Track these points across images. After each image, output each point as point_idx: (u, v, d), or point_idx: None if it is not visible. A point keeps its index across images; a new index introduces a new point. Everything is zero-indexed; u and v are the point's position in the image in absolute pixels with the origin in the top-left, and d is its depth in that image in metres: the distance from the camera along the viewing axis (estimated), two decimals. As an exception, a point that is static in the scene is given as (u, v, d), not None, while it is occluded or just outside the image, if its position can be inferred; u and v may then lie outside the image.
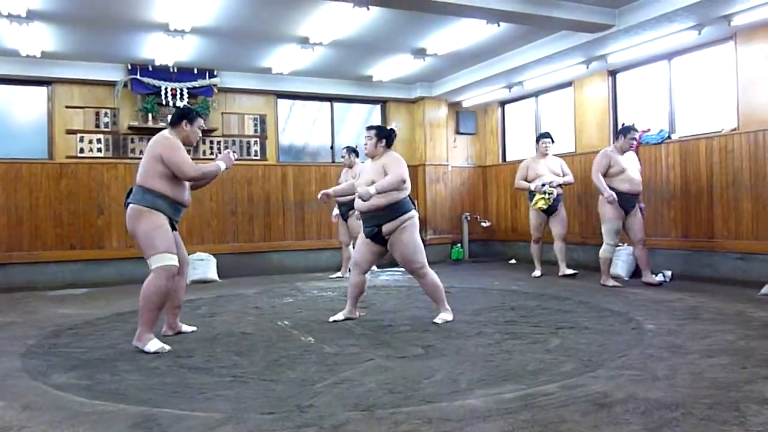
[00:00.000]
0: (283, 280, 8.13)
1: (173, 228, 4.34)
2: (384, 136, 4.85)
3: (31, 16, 6.11)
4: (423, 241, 4.97)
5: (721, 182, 6.74)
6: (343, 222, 8.07)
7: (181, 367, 3.64)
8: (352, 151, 7.95)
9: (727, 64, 6.75)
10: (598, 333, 4.30)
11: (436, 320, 4.80)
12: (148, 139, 8.35)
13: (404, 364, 3.59)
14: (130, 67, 8.09)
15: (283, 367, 3.57)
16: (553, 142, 7.72)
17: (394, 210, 4.70)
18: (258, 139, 9.14)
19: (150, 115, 8.26)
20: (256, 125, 9.13)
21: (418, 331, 4.50)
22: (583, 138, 8.52)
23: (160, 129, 8.20)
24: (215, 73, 8.53)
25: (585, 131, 8.56)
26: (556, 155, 7.95)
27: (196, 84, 8.42)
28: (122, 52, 7.58)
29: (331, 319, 5.00)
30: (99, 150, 8.22)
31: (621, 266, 7.26)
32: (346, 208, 7.90)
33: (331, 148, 9.73)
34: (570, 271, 7.49)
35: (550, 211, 7.53)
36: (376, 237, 4.82)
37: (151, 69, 8.17)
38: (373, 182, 4.67)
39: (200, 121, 4.56)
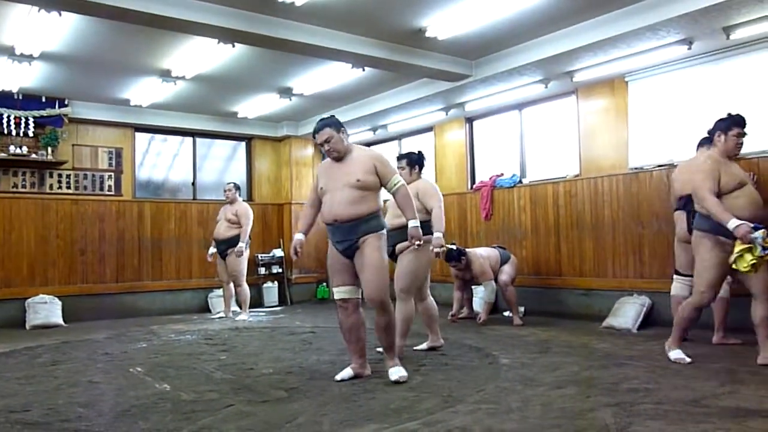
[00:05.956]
0: (138, 323, 7.65)
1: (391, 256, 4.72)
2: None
3: None
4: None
5: (567, 223, 7.29)
6: (221, 260, 7.82)
7: (14, 423, 3.28)
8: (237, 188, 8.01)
9: (570, 116, 7.39)
10: (458, 369, 4.44)
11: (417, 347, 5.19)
12: (-14, 171, 7.82)
13: (266, 408, 3.48)
14: (-34, 92, 7.40)
15: (134, 417, 3.33)
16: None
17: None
18: (113, 174, 8.63)
19: (-12, 144, 7.57)
20: (110, 159, 8.63)
21: (281, 374, 4.40)
22: (443, 180, 8.88)
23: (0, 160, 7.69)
24: (66, 102, 8.00)
25: (445, 174, 8.94)
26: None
27: (43, 113, 7.84)
28: (-43, 75, 6.91)
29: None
30: (-76, 181, 7.38)
31: (479, 303, 7.56)
32: (225, 245, 7.69)
33: (193, 184, 9.41)
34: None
35: None
36: (391, 256, 4.87)
37: (-9, 95, 7.52)
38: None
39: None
